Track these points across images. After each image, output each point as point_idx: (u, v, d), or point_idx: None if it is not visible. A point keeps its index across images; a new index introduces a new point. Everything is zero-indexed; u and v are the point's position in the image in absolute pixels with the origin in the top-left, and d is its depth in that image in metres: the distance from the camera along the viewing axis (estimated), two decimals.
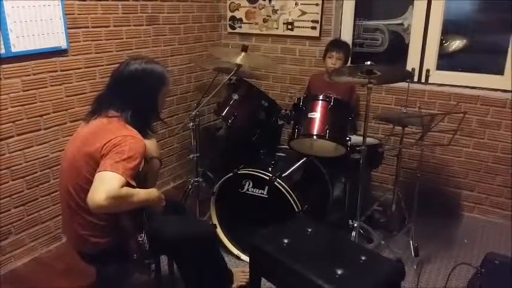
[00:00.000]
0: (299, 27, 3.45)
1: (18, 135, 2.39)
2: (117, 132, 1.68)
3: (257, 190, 2.50)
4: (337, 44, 3.05)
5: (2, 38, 2.19)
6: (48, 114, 2.52)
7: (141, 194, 1.67)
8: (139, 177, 1.73)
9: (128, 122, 1.75)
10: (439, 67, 3.22)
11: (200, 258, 2.00)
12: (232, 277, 2.30)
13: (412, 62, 3.24)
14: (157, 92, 1.84)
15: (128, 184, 1.58)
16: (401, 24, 3.39)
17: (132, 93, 1.78)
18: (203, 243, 2.02)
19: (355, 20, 3.43)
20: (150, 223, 1.79)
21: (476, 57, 3.36)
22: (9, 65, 2.28)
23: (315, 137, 2.44)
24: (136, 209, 1.70)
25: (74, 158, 1.73)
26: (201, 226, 2.27)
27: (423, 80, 3.22)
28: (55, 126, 2.56)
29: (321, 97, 2.49)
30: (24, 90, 2.37)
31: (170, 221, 1.99)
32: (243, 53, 2.67)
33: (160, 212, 1.88)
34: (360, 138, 2.45)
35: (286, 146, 2.67)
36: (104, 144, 1.64)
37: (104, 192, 1.51)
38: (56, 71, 2.52)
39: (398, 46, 3.39)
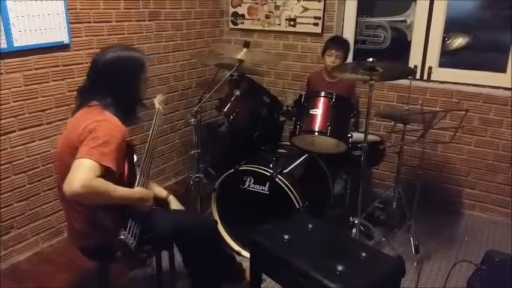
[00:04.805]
0: (301, 23, 3.44)
1: (20, 129, 2.40)
2: (93, 118, 1.67)
3: (258, 186, 2.50)
4: (337, 42, 3.01)
5: (4, 33, 2.19)
6: (50, 109, 2.52)
7: (120, 189, 1.63)
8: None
9: (107, 108, 1.72)
10: (442, 64, 3.21)
11: (203, 252, 1.98)
12: (243, 273, 2.29)
13: (414, 59, 3.23)
14: (134, 78, 1.81)
15: (106, 168, 1.56)
16: (404, 21, 3.38)
17: (109, 81, 1.76)
18: (206, 237, 2.00)
19: (357, 17, 3.42)
20: (137, 219, 1.73)
21: (479, 55, 3.35)
22: (11, 60, 2.28)
23: (316, 133, 2.44)
24: (114, 205, 1.65)
25: (62, 150, 1.74)
26: (202, 220, 2.27)
27: (425, 77, 3.21)
28: (57, 121, 2.56)
29: (322, 93, 2.49)
30: (26, 85, 2.37)
31: (170, 215, 1.99)
32: (245, 49, 2.67)
33: (147, 211, 1.81)
34: (362, 135, 2.45)
35: (288, 143, 2.67)
36: (81, 131, 1.63)
37: (78, 180, 1.49)
38: (58, 66, 2.52)
39: (401, 43, 3.38)
